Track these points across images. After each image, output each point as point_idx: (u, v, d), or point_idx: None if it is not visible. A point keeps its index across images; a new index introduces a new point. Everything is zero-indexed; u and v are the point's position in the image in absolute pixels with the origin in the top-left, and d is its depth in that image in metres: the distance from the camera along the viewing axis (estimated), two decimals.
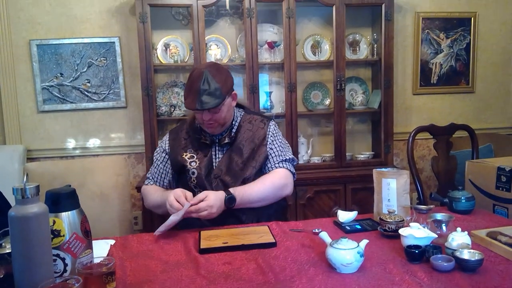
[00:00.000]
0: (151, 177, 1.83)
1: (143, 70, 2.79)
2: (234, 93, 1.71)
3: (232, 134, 1.74)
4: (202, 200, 1.51)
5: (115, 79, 3.09)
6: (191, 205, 1.49)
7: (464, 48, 3.38)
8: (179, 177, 1.77)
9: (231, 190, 1.60)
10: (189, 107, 1.63)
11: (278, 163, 1.73)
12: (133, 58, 3.07)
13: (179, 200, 1.51)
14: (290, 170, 1.75)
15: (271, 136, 1.76)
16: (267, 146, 1.74)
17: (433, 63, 3.35)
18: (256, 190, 1.64)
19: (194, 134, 1.77)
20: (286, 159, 1.75)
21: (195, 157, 1.72)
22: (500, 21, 3.42)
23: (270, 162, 1.74)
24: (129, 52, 3.09)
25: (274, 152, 1.75)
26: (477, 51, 3.40)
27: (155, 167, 1.82)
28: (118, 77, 3.09)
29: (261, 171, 1.74)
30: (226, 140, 1.72)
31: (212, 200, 1.51)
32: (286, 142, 1.83)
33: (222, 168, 1.70)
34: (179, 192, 1.54)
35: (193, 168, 1.70)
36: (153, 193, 1.75)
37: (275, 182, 1.69)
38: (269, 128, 1.78)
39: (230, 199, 1.56)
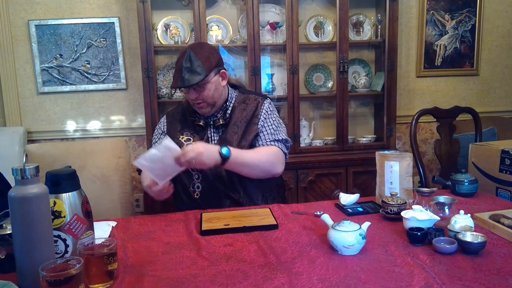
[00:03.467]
0: None
1: (143, 51, 2.76)
2: (222, 71, 1.67)
3: (227, 115, 1.71)
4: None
5: (115, 60, 3.06)
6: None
7: (469, 29, 3.32)
8: None
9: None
10: (172, 86, 1.64)
11: (270, 141, 1.68)
12: (133, 39, 3.03)
13: None
14: (282, 150, 1.70)
15: (264, 114, 1.72)
16: (258, 124, 1.70)
17: (437, 45, 3.30)
18: (251, 155, 1.60)
19: (190, 117, 1.75)
20: (279, 139, 1.69)
21: (192, 140, 1.71)
22: (506, 2, 3.35)
23: (261, 139, 1.69)
24: (129, 33, 3.05)
25: (266, 131, 1.70)
26: (482, 33, 3.35)
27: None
28: (118, 58, 3.05)
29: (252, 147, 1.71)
30: (221, 122, 1.69)
31: (197, 144, 1.48)
32: (281, 122, 1.78)
33: None
34: None
35: None
36: (145, 177, 1.72)
37: (269, 154, 1.64)
38: (263, 106, 1.73)
39: (223, 147, 1.51)
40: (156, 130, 1.84)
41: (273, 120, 1.73)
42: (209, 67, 1.60)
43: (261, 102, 1.74)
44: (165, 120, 1.82)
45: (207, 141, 1.70)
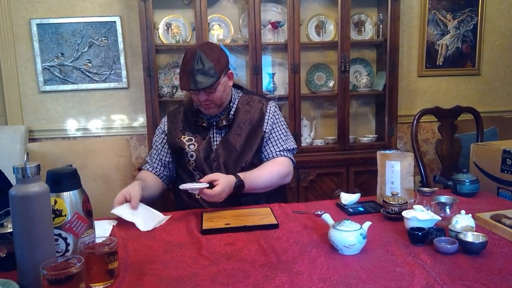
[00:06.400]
0: (149, 160, 1.81)
1: (144, 50, 2.76)
2: (230, 72, 1.67)
3: (230, 116, 1.71)
4: (212, 180, 1.49)
5: (116, 59, 3.06)
6: (204, 187, 1.47)
7: (471, 29, 3.32)
8: (178, 160, 1.76)
9: (241, 175, 1.58)
10: (184, 88, 1.61)
11: (281, 151, 1.72)
12: (135, 38, 3.03)
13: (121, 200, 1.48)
14: (291, 160, 1.76)
15: (271, 118, 1.73)
16: (265, 127, 1.71)
17: (439, 44, 3.30)
18: (264, 178, 1.64)
19: (192, 117, 1.75)
20: (288, 148, 1.74)
21: (194, 140, 1.70)
22: (508, 1, 3.34)
23: (272, 148, 1.72)
24: (130, 32, 3.05)
25: (275, 139, 1.72)
26: (484, 32, 3.34)
27: (154, 149, 1.81)
28: (119, 57, 3.05)
29: (259, 151, 1.72)
30: (224, 123, 1.69)
31: (223, 185, 1.49)
32: (287, 127, 1.80)
33: (221, 151, 1.68)
34: (121, 195, 1.50)
35: (192, 151, 1.68)
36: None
37: (281, 171, 1.68)
38: (269, 109, 1.74)
39: (239, 186, 1.56)
40: (157, 131, 1.83)
41: (281, 127, 1.76)
42: (220, 69, 1.59)
43: (265, 104, 1.74)
44: (166, 120, 1.81)
45: (209, 142, 1.70)
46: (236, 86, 1.83)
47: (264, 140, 1.72)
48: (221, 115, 1.71)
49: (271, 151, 1.72)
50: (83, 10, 3.00)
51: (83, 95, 3.10)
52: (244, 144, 1.68)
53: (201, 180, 1.50)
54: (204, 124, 1.71)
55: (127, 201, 1.48)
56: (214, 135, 1.71)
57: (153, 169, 1.79)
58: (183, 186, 1.48)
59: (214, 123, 1.71)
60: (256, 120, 1.71)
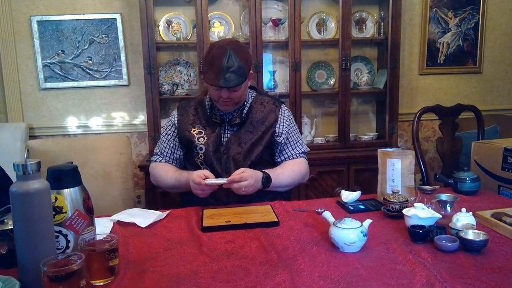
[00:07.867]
0: (159, 153, 1.80)
1: (145, 47, 2.75)
2: (251, 72, 1.69)
3: (243, 114, 1.73)
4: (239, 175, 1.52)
5: (117, 56, 3.05)
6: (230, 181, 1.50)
7: (472, 27, 3.31)
8: (187, 153, 1.77)
9: (266, 171, 1.62)
10: (211, 83, 1.60)
11: (300, 153, 1.79)
12: (135, 35, 3.03)
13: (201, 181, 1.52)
14: (306, 160, 1.82)
15: (286, 121, 1.77)
16: (281, 129, 1.74)
17: (440, 42, 3.29)
18: (287, 175, 1.69)
19: (204, 112, 1.76)
20: (305, 151, 1.81)
21: (203, 133, 1.71)
22: (509, 0, 3.34)
23: (293, 151, 1.77)
24: (131, 29, 3.05)
25: (295, 142, 1.79)
26: (485, 30, 3.33)
27: (164, 142, 1.80)
28: (120, 55, 3.05)
29: (268, 147, 1.73)
30: (237, 121, 1.71)
31: (247, 171, 1.53)
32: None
33: (231, 145, 1.69)
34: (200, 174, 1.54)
35: (201, 144, 1.69)
36: (164, 173, 1.73)
37: (302, 171, 1.76)
38: (282, 112, 1.77)
39: (267, 178, 1.60)
40: (166, 123, 1.83)
41: (297, 131, 1.83)
42: (248, 69, 1.62)
43: (279, 107, 1.78)
44: (176, 113, 1.81)
45: (219, 135, 1.70)
46: (249, 86, 1.84)
47: (281, 142, 1.75)
48: (235, 113, 1.73)
49: (291, 154, 1.77)
50: (83, 7, 3.00)
51: (84, 92, 3.10)
52: (255, 142, 1.70)
53: (228, 178, 1.52)
54: (217, 121, 1.72)
55: (205, 178, 1.52)
56: (225, 131, 1.73)
57: (166, 161, 1.79)
58: (209, 181, 1.51)
59: (227, 120, 1.73)
60: (269, 121, 1.73)
